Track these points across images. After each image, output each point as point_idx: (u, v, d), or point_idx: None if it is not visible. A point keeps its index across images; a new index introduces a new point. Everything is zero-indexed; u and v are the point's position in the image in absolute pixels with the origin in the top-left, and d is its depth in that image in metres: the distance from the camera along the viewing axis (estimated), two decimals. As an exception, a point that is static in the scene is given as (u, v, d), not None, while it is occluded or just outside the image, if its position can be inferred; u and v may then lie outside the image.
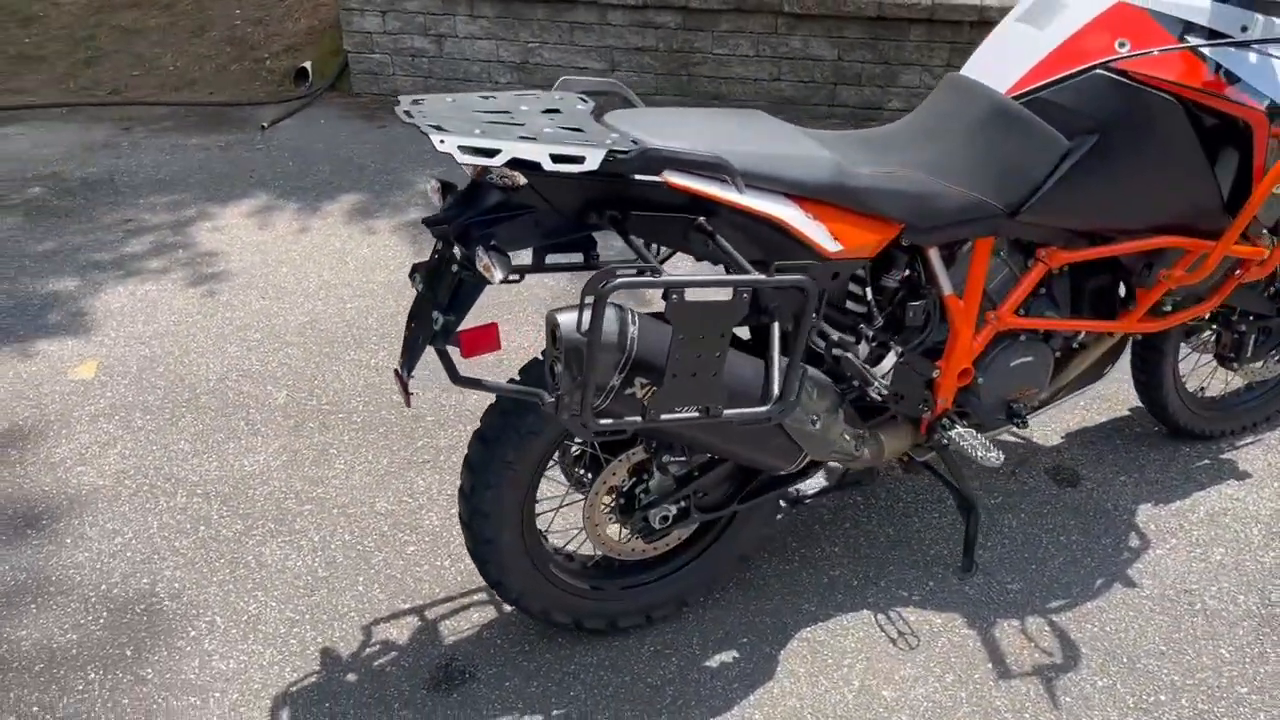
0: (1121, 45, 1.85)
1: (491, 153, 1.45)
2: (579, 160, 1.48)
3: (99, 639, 2.14)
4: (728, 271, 1.77)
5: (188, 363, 3.14)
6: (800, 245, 1.74)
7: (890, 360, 1.95)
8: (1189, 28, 1.85)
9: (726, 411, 1.60)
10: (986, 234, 1.93)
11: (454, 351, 1.69)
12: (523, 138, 1.49)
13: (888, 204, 1.79)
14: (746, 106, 5.07)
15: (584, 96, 1.75)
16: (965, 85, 1.95)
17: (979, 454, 1.98)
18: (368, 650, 2.12)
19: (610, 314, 1.55)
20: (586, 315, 1.47)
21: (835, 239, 1.76)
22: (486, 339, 1.62)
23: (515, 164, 1.46)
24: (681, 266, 3.49)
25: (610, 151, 1.50)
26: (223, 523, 2.47)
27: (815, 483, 2.14)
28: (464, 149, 1.44)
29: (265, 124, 5.06)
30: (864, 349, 1.91)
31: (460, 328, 1.66)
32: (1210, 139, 1.92)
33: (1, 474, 2.64)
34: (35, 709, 1.98)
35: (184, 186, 4.45)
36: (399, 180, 4.46)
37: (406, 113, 1.54)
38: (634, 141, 1.55)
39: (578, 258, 1.75)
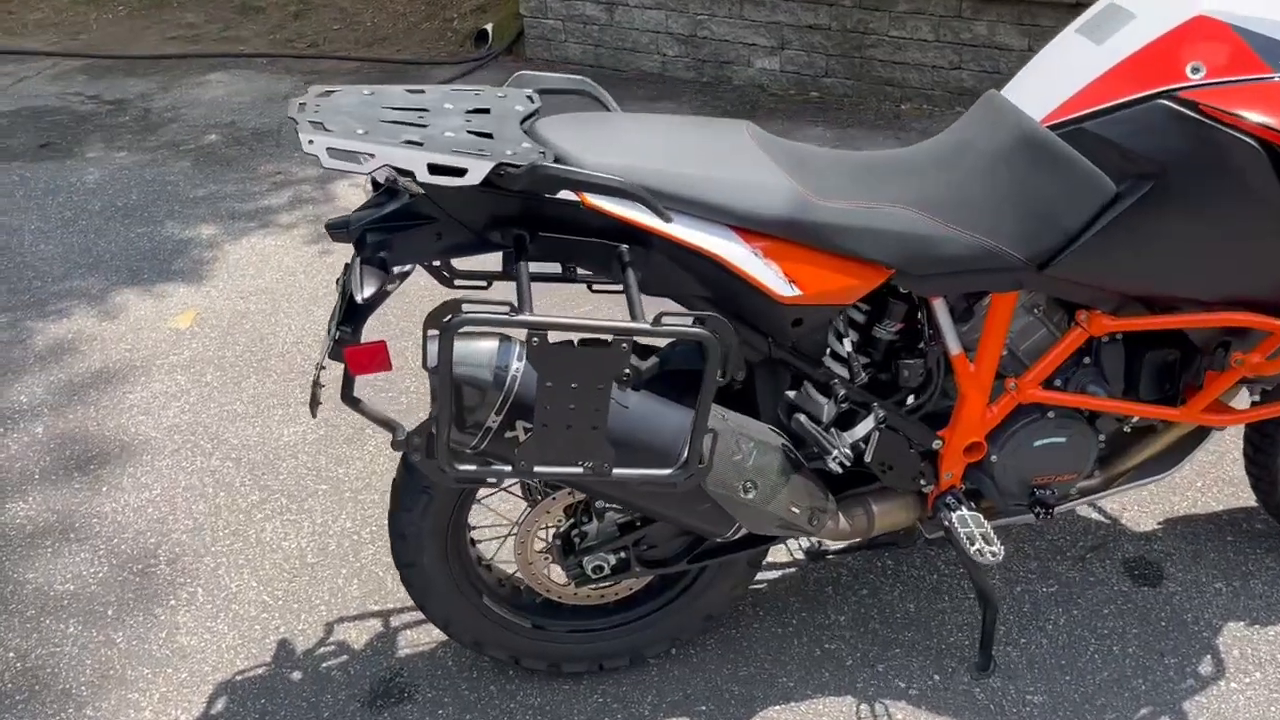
0: (1195, 70, 1.47)
1: (362, 157, 1.32)
2: (459, 172, 1.32)
3: (90, 594, 2.21)
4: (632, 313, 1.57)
5: (273, 323, 3.21)
6: (747, 286, 1.50)
7: (867, 424, 1.66)
8: None
9: (618, 471, 1.41)
10: (1006, 288, 1.61)
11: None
12: (409, 141, 1.34)
13: (866, 245, 1.52)
14: (924, 96, 4.65)
15: (533, 95, 1.58)
16: (996, 107, 1.62)
17: (972, 546, 1.67)
18: (322, 650, 2.07)
19: (484, 347, 1.39)
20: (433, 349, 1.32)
21: (791, 282, 1.51)
22: (374, 358, 1.50)
23: (400, 172, 1.32)
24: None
25: (502, 165, 1.33)
26: (241, 491, 2.49)
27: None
28: (333, 152, 1.31)
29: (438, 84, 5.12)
30: (829, 409, 1.64)
31: (362, 340, 1.54)
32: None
33: (76, 413, 2.79)
34: (10, 653, 2.06)
35: (340, 143, 4.57)
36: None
37: (301, 105, 1.43)
38: (541, 155, 1.37)
39: (555, 267, 1.58)
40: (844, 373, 1.66)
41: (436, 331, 1.30)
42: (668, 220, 1.45)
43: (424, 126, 1.43)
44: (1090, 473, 1.80)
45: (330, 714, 1.92)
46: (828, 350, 1.67)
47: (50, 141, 4.68)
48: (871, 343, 1.67)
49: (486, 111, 1.52)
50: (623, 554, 1.74)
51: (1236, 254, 1.54)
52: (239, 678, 2.02)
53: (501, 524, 2.01)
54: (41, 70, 5.63)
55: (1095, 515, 2.34)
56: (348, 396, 1.49)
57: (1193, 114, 1.47)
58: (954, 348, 1.65)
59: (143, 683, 2.00)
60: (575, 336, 1.33)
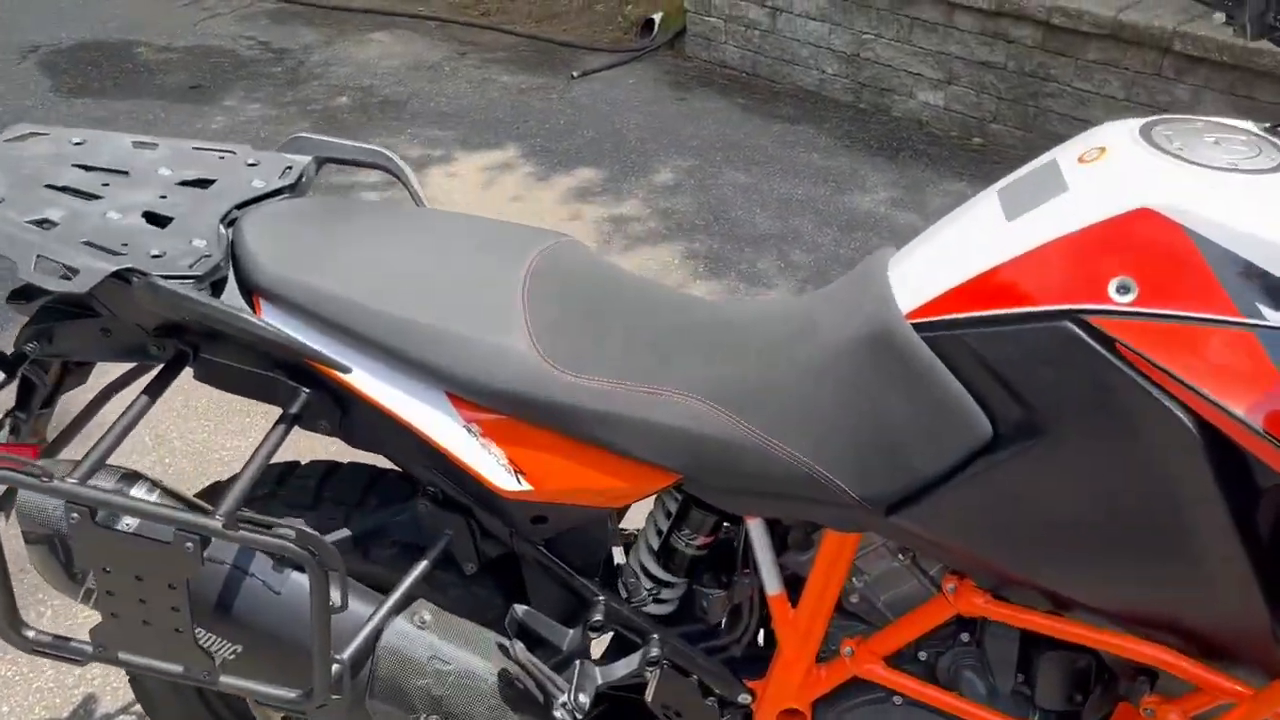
0: (1123, 289, 0.97)
1: None
2: (70, 273, 1.04)
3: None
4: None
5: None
6: (458, 470, 1.14)
7: (636, 660, 1.26)
8: (1266, 285, 0.93)
9: (228, 680, 1.10)
10: (840, 527, 1.16)
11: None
12: (39, 223, 1.09)
13: (631, 440, 1.13)
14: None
15: (294, 168, 1.28)
16: (868, 277, 1.16)
17: None
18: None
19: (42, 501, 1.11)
20: None
21: (518, 473, 1.14)
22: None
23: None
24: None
25: (129, 272, 1.05)
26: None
27: None
28: None
29: (575, 74, 4.87)
30: (573, 637, 1.25)
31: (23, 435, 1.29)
32: (1254, 502, 0.98)
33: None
34: None
35: (457, 123, 4.41)
36: (644, 166, 4.06)
37: None
38: (195, 264, 1.07)
39: None
40: (623, 588, 1.26)
41: None
42: (344, 370, 1.11)
43: (95, 198, 1.16)
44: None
45: None
46: (605, 553, 1.28)
47: (200, 84, 4.77)
48: (668, 554, 1.27)
49: (206, 185, 1.23)
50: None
51: (1153, 560, 1.03)
52: None
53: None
54: (235, 9, 5.78)
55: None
56: None
57: (1106, 353, 0.97)
58: (772, 584, 1.23)
59: None
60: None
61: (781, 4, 4.60)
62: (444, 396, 1.14)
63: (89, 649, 1.11)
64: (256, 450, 1.09)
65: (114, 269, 1.06)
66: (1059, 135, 3.93)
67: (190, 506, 1.17)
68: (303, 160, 1.34)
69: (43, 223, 1.12)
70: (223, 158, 1.30)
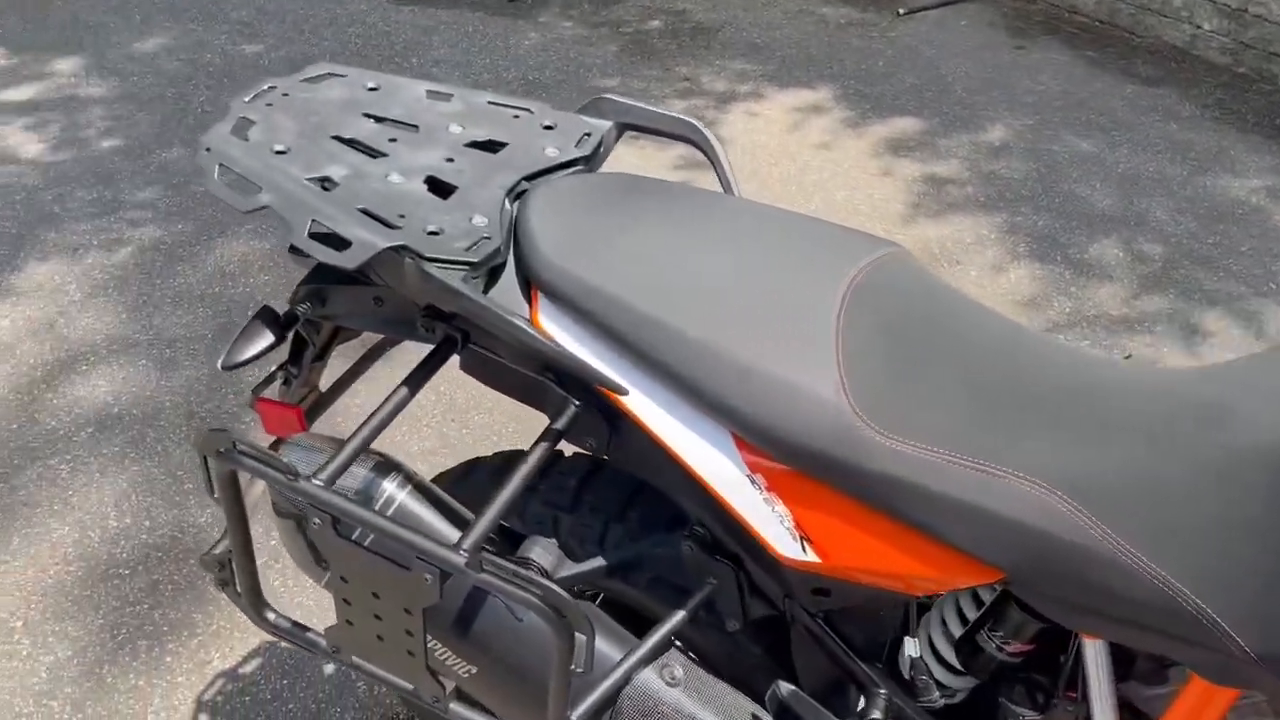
0: None
1: (251, 189, 1.01)
2: (343, 244, 0.95)
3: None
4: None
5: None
6: (733, 521, 0.97)
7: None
8: None
9: (456, 709, 1.00)
10: (1215, 678, 0.90)
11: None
12: (320, 183, 1.01)
13: (949, 523, 0.91)
14: None
15: (588, 131, 1.13)
16: None
17: None
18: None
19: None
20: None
21: (804, 540, 0.95)
22: (283, 421, 1.19)
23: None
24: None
25: (401, 250, 0.95)
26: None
27: None
28: (224, 173, 1.02)
29: (901, 10, 4.48)
30: None
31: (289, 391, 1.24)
32: None
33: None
34: None
35: (768, 57, 4.17)
36: (970, 121, 3.66)
37: (255, 95, 1.13)
38: (471, 247, 0.96)
39: None
40: (909, 679, 1.05)
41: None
42: (621, 392, 0.95)
43: (380, 156, 1.06)
44: None
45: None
46: (892, 636, 1.07)
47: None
48: (970, 649, 1.04)
49: (496, 148, 1.10)
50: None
51: None
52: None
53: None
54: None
55: None
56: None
57: None
58: (1104, 717, 0.97)
59: None
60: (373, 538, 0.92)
61: (1158, -56, 3.98)
62: (729, 438, 0.95)
63: (323, 644, 1.04)
64: (514, 471, 0.96)
65: (385, 245, 0.95)
66: None
67: (442, 510, 1.07)
68: (602, 126, 1.18)
69: (323, 181, 1.03)
70: (517, 116, 1.16)
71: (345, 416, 2.33)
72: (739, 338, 0.94)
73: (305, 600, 1.96)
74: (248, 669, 1.86)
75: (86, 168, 3.38)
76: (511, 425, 2.38)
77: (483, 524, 0.90)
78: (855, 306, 0.98)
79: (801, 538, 0.95)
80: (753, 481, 0.95)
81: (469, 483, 1.29)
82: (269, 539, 2.05)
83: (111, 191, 3.25)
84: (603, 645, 1.05)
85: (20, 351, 2.59)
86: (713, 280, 0.98)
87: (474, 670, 1.05)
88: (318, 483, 0.91)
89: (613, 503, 1.21)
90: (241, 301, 2.74)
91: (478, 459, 1.33)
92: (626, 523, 1.20)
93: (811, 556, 0.95)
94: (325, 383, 1.34)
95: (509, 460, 1.29)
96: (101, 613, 1.95)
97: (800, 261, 1.02)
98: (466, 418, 2.39)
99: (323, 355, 1.26)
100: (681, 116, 1.19)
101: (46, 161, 3.42)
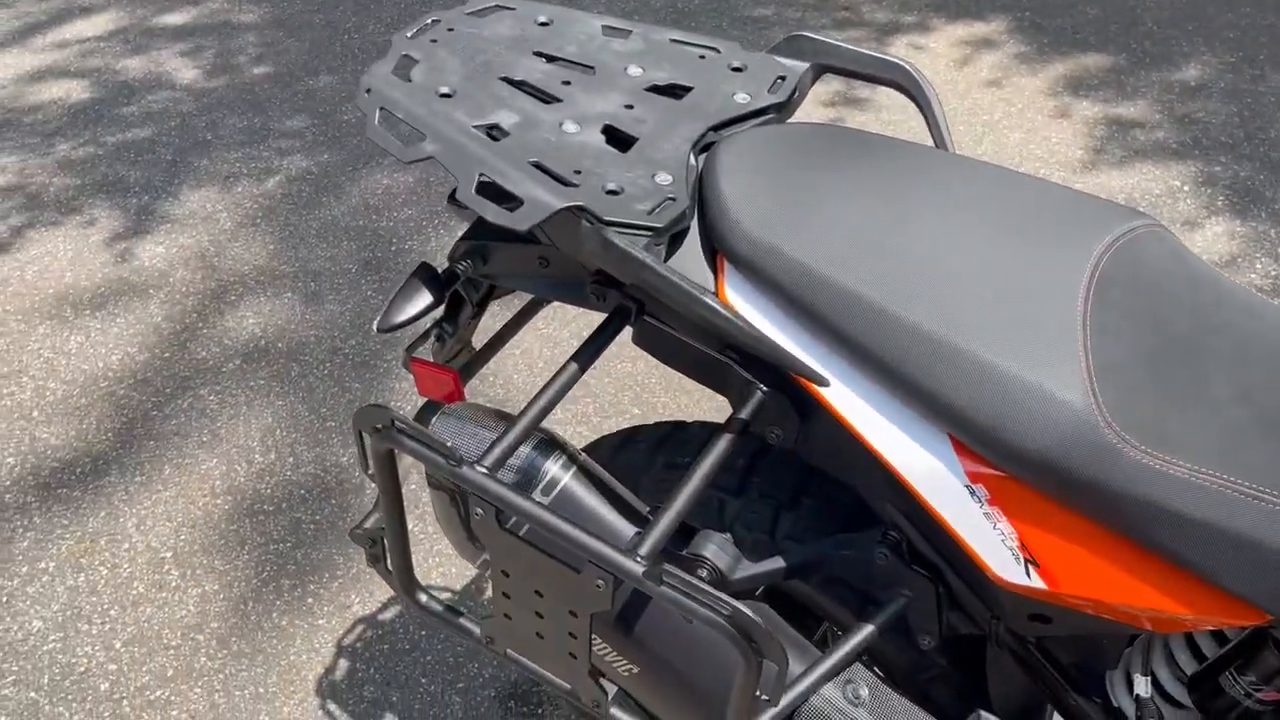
0: None
1: (414, 138, 0.93)
2: (514, 203, 0.86)
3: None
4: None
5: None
6: (942, 533, 0.84)
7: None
8: None
9: (617, 713, 0.92)
10: None
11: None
12: (486, 131, 0.91)
13: (1220, 559, 0.76)
14: None
15: (783, 74, 1.01)
16: None
17: None
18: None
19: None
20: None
21: (1029, 562, 0.82)
22: (438, 384, 1.11)
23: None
24: None
25: (577, 210, 0.85)
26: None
27: None
28: (385, 117, 0.94)
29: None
30: None
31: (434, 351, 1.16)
32: None
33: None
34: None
35: (937, -14, 3.89)
36: (1161, 57, 3.33)
37: (417, 31, 1.03)
38: (658, 208, 0.85)
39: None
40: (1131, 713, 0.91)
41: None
42: (821, 384, 0.82)
43: (554, 101, 0.95)
44: None
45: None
46: (1112, 667, 0.93)
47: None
48: (1208, 690, 0.90)
49: (680, 93, 0.98)
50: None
51: None
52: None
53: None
54: None
55: None
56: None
57: None
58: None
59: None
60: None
61: None
62: (946, 440, 0.82)
63: (477, 633, 0.97)
64: (692, 469, 0.85)
65: (561, 206, 0.84)
66: None
67: (609, 497, 0.97)
68: (798, 69, 1.04)
69: (492, 129, 0.92)
70: (703, 57, 1.03)
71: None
72: (965, 326, 0.81)
73: (449, 569, 1.93)
74: (387, 616, 1.83)
75: (238, 94, 3.39)
76: (643, 360, 2.28)
77: (661, 526, 0.80)
78: (1103, 292, 0.83)
79: (1026, 560, 0.82)
80: (973, 493, 0.82)
81: (626, 454, 1.20)
82: (416, 505, 2.02)
83: (261, 119, 3.25)
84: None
85: (173, 279, 2.62)
86: (933, 256, 0.84)
87: (636, 670, 0.97)
88: (482, 470, 0.82)
89: (784, 488, 1.10)
90: (385, 236, 2.71)
91: (637, 428, 1.23)
92: (799, 510, 1.08)
93: (1036, 582, 0.82)
94: (478, 340, 1.26)
95: (671, 431, 1.19)
96: (247, 549, 1.95)
97: (1035, 235, 0.87)
98: (608, 366, 2.30)
99: (479, 311, 1.17)
100: (889, 58, 1.04)
101: (200, 88, 3.44)
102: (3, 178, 3.06)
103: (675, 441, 1.18)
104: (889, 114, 3.12)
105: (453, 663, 1.75)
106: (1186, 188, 2.77)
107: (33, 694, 1.73)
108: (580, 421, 2.17)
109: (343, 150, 3.07)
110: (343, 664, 1.76)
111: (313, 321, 2.46)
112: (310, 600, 1.86)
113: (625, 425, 2.15)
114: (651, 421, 1.24)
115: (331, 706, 1.70)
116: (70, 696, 1.73)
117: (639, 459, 1.17)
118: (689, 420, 1.22)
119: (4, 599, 1.89)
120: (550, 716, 1.67)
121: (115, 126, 3.26)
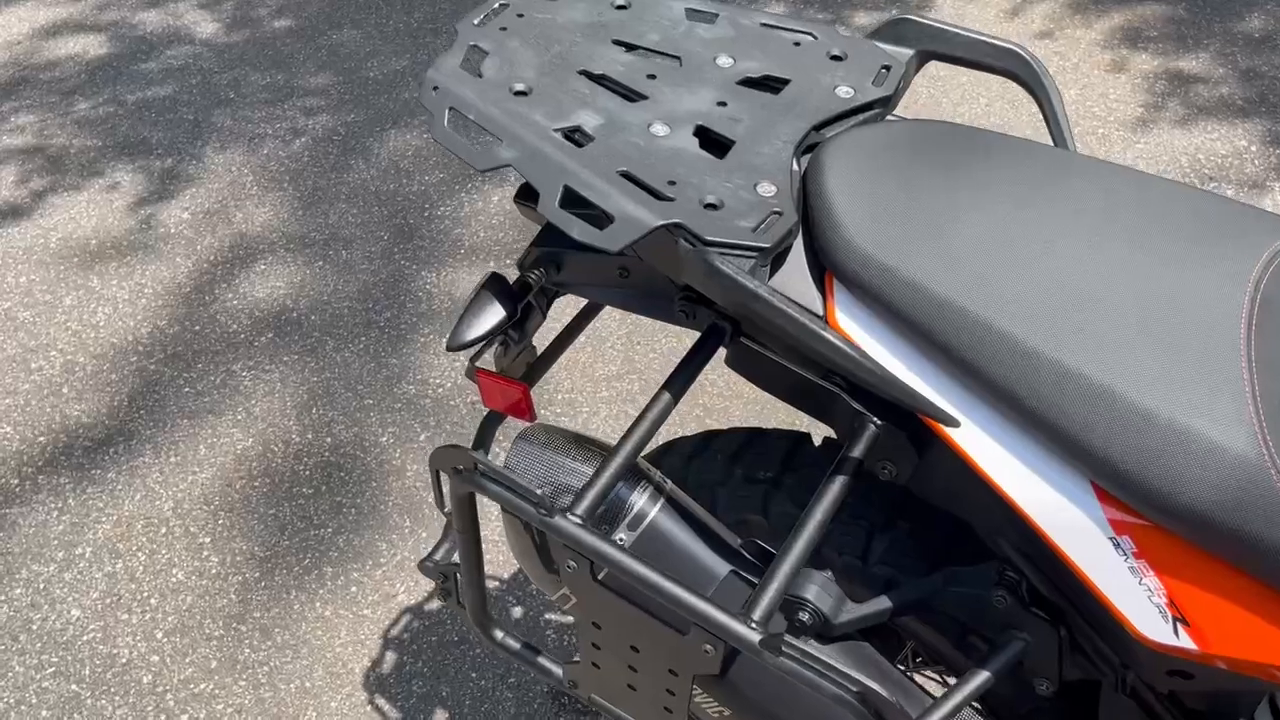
0: None
1: (488, 141, 0.84)
2: (604, 220, 0.78)
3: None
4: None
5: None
6: (1076, 583, 0.77)
7: None
8: None
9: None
10: None
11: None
12: (567, 135, 0.83)
13: None
14: None
15: (887, 64, 0.92)
16: None
17: None
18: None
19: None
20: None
21: (1178, 619, 0.74)
22: (505, 397, 1.03)
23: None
24: None
25: (675, 228, 0.77)
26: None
27: None
28: (454, 117, 0.85)
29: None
30: None
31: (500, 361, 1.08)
32: None
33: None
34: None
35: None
36: (1225, 6, 3.18)
37: (485, 17, 0.94)
38: (764, 223, 0.77)
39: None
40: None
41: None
42: (951, 425, 0.74)
43: (639, 99, 0.86)
44: None
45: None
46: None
47: None
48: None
49: (777, 87, 0.89)
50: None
51: None
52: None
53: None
54: None
55: None
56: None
57: None
58: None
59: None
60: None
61: None
62: (1089, 488, 0.74)
63: (558, 674, 0.91)
64: (805, 518, 0.77)
65: (657, 224, 0.76)
66: None
67: (702, 534, 0.90)
68: (903, 55, 0.94)
69: (574, 132, 0.83)
70: (798, 43, 0.94)
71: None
72: (1117, 364, 0.72)
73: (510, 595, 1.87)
74: (433, 607, 1.78)
75: (260, 49, 3.28)
76: (690, 338, 2.21)
77: (776, 585, 0.73)
78: (1266, 320, 0.74)
79: (1175, 618, 0.74)
80: (1117, 545, 0.74)
81: (701, 463, 1.12)
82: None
83: (284, 75, 3.15)
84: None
85: (200, 247, 2.54)
86: (1076, 280, 0.76)
87: (726, 713, 0.90)
88: (575, 519, 0.75)
89: (879, 509, 1.02)
90: (416, 201, 2.62)
91: (712, 433, 1.16)
92: (894, 534, 1.01)
93: (1185, 642, 0.74)
94: (539, 342, 1.18)
95: (749, 440, 1.11)
96: (287, 534, 1.90)
97: (1184, 251, 0.78)
98: (653, 341, 2.22)
99: (545, 309, 1.09)
100: (1005, 43, 0.94)
101: (221, 43, 3.33)
102: (22, 138, 2.98)
103: (754, 452, 1.10)
104: (908, 100, 3.00)
105: (504, 656, 1.70)
106: (1254, 148, 2.64)
107: (74, 687, 1.70)
108: (627, 400, 2.10)
109: (369, 109, 2.97)
110: (390, 657, 1.71)
111: (345, 293, 2.38)
112: (354, 589, 1.81)
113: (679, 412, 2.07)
114: (717, 422, 1.15)
115: (380, 702, 1.66)
116: (113, 690, 1.69)
117: (715, 470, 1.10)
118: (767, 427, 1.15)
119: (41, 585, 1.85)
120: (604, 716, 1.62)
121: (135, 84, 3.16)
